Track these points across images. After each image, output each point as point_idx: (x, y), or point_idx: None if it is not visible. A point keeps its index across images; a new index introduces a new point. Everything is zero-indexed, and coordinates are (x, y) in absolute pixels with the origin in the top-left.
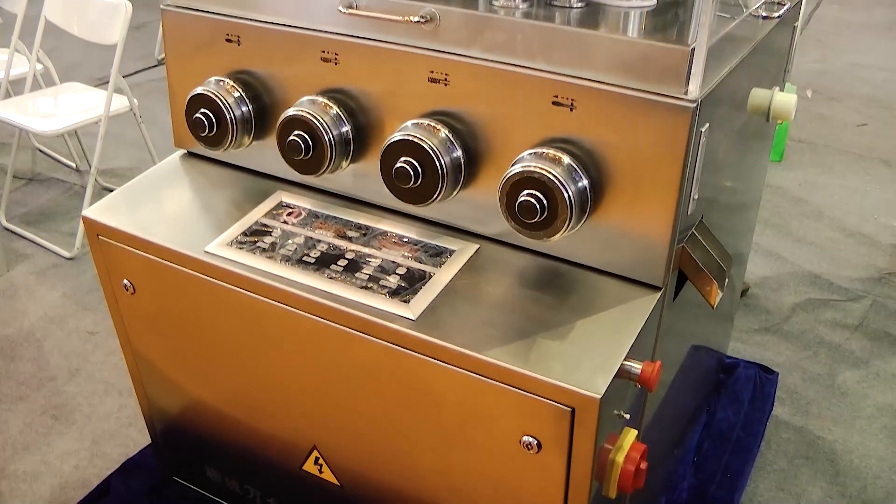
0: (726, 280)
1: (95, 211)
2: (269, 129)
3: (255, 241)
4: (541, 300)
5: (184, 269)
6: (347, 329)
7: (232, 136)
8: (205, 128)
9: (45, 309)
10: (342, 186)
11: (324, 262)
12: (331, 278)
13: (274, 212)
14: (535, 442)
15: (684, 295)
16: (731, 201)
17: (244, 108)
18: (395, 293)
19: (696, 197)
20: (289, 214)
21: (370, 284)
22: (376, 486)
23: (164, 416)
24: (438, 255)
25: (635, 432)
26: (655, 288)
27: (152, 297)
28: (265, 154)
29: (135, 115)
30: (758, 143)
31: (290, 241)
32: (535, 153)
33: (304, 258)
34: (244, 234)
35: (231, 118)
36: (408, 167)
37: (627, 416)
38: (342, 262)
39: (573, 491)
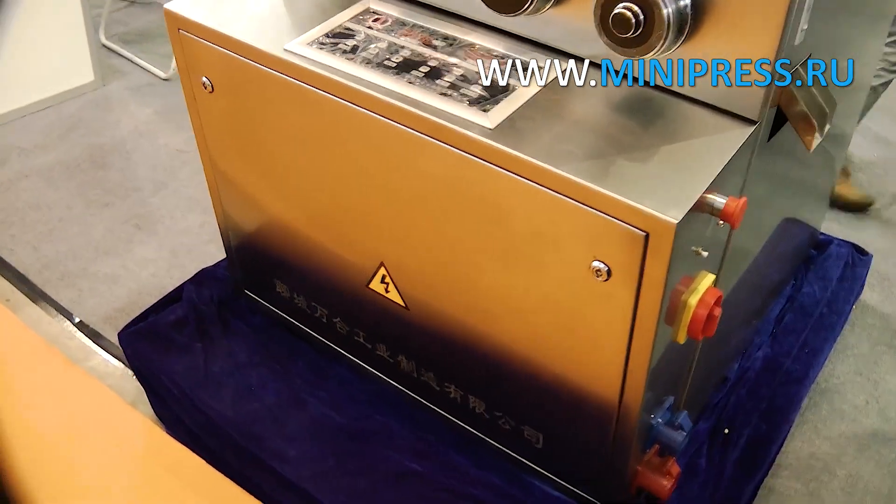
0: (827, 126)
1: (177, 4)
2: None
3: (337, 43)
4: (626, 123)
5: (262, 66)
6: (422, 135)
7: None
8: None
9: (137, 123)
10: None
11: (405, 68)
12: (410, 83)
13: (360, 16)
14: (605, 268)
15: (780, 140)
16: (842, 58)
17: None
18: (475, 102)
19: (805, 27)
20: (375, 20)
21: (450, 92)
22: (440, 310)
23: (238, 228)
24: (525, 70)
25: (713, 276)
26: (750, 122)
27: (230, 96)
28: None
29: None
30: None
31: (372, 46)
32: None
33: (385, 62)
34: (326, 35)
35: None
36: None
37: (705, 255)
38: (424, 69)
39: (640, 324)
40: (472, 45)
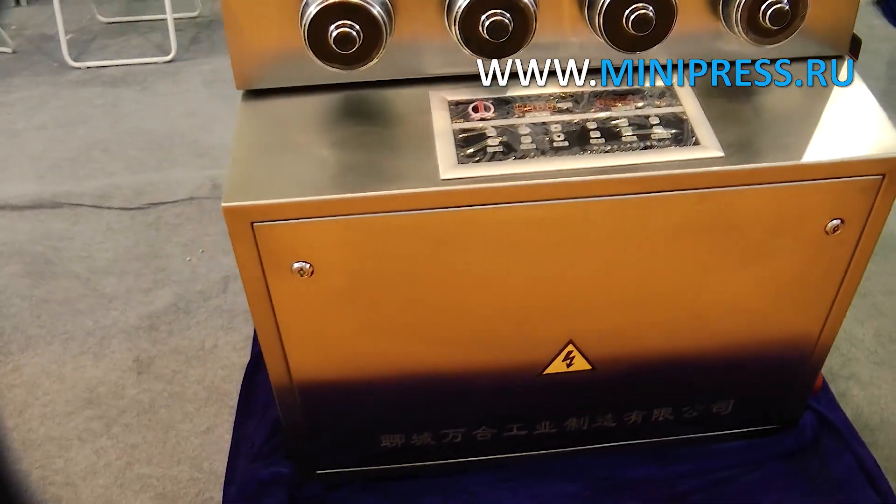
0: None
1: (236, 194)
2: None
3: (484, 149)
4: (778, 97)
5: (415, 211)
6: (650, 194)
7: (383, 42)
8: (353, 41)
9: None
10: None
11: (579, 141)
12: (608, 152)
13: (457, 116)
14: (840, 222)
15: None
16: None
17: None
18: (677, 140)
19: None
20: (474, 110)
21: (648, 143)
22: (635, 353)
23: (325, 407)
24: (662, 96)
25: None
26: (839, 57)
27: (344, 269)
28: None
29: None
30: None
31: (522, 135)
32: None
33: (555, 145)
34: (459, 146)
35: (381, 18)
36: (647, 12)
37: None
38: (595, 135)
39: (857, 257)
40: (595, 93)
